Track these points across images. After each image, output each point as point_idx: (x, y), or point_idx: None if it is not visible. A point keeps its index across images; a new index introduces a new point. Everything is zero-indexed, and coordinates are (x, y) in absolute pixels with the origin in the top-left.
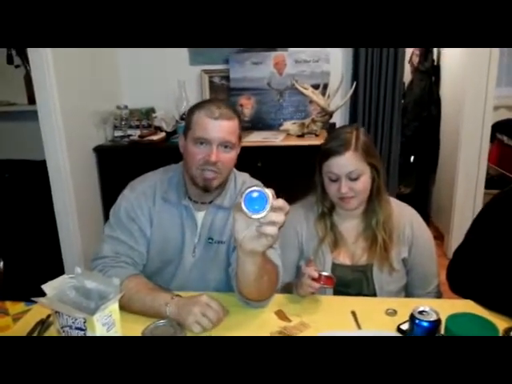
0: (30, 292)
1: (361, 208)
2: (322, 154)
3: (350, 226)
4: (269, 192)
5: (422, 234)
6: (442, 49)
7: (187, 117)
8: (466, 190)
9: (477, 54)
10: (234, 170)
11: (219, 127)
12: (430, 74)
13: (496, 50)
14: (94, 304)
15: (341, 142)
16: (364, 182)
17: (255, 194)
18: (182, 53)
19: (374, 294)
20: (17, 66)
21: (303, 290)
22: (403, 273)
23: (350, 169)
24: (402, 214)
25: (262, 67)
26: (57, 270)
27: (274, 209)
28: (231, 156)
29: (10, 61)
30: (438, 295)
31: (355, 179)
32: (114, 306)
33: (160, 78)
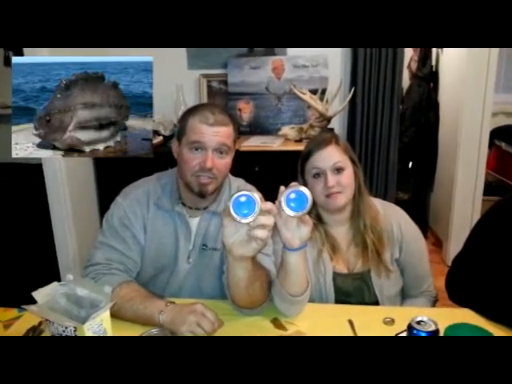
0: (25, 298)
1: (347, 211)
2: (303, 155)
3: (340, 233)
4: (257, 195)
5: (410, 232)
6: (440, 55)
7: (181, 122)
8: (464, 196)
9: (475, 60)
10: (229, 175)
11: (214, 133)
12: (428, 79)
13: (495, 56)
14: (85, 312)
15: (321, 141)
16: (349, 176)
17: (243, 199)
18: (181, 57)
19: (376, 301)
20: None
21: None
22: (399, 274)
23: (334, 160)
24: (389, 214)
25: (260, 72)
26: (52, 275)
27: (262, 212)
28: (226, 161)
29: (7, 63)
30: (433, 294)
31: (340, 171)
32: (105, 315)
33: (158, 82)
